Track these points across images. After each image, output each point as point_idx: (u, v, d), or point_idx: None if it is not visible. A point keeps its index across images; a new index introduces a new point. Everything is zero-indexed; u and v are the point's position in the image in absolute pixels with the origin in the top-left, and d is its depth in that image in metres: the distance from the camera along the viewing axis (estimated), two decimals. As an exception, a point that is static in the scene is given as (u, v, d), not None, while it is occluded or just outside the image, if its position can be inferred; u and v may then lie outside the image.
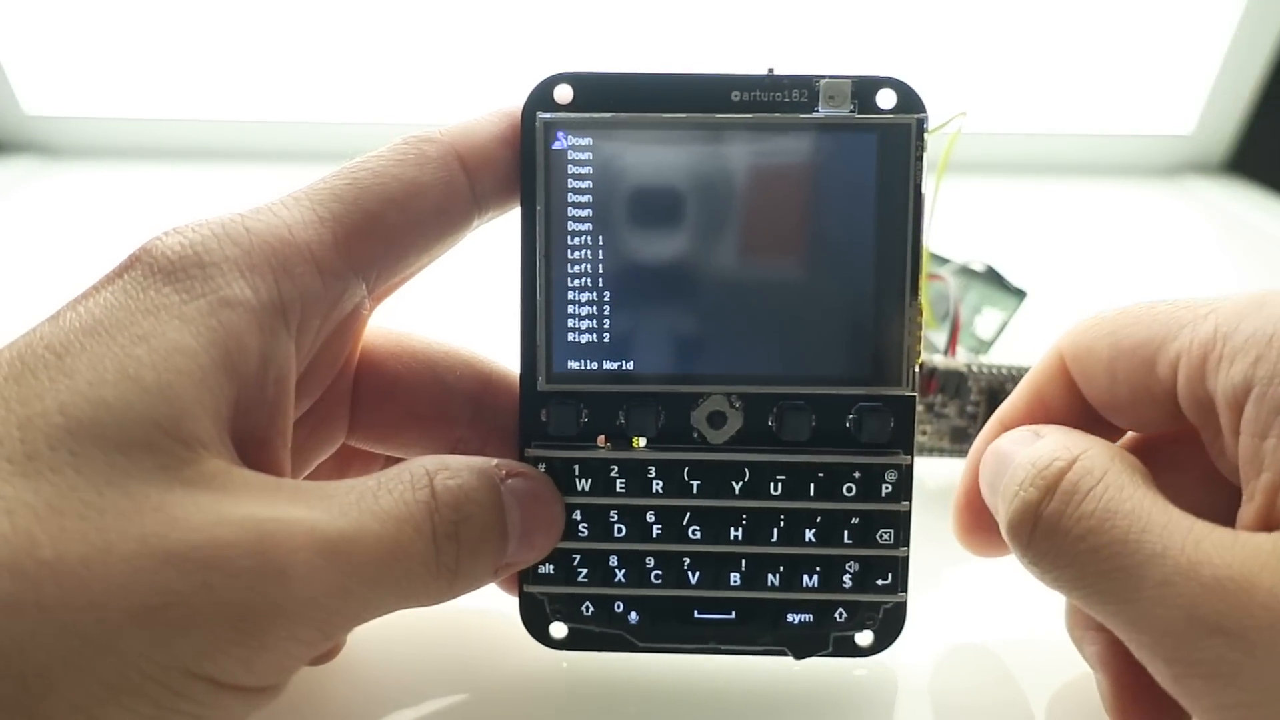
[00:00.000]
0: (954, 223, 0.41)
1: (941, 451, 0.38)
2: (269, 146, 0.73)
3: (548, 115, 0.26)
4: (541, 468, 0.26)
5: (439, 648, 0.29)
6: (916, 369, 0.26)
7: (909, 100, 0.26)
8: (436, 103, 0.71)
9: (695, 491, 0.27)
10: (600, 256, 0.26)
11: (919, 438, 0.37)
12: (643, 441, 0.27)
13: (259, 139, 0.73)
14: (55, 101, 0.74)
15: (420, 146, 0.25)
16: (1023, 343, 0.45)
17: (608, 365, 0.27)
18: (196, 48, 0.72)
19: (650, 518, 0.27)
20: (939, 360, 0.38)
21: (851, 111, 0.26)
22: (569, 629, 0.27)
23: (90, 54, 0.73)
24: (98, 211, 0.68)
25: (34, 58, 0.72)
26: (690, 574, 0.27)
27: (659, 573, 0.27)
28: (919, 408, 0.37)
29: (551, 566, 0.27)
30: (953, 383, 0.37)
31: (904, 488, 0.27)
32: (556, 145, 0.26)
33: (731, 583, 0.27)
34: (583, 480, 0.27)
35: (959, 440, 0.38)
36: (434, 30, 0.71)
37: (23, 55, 0.72)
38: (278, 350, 0.23)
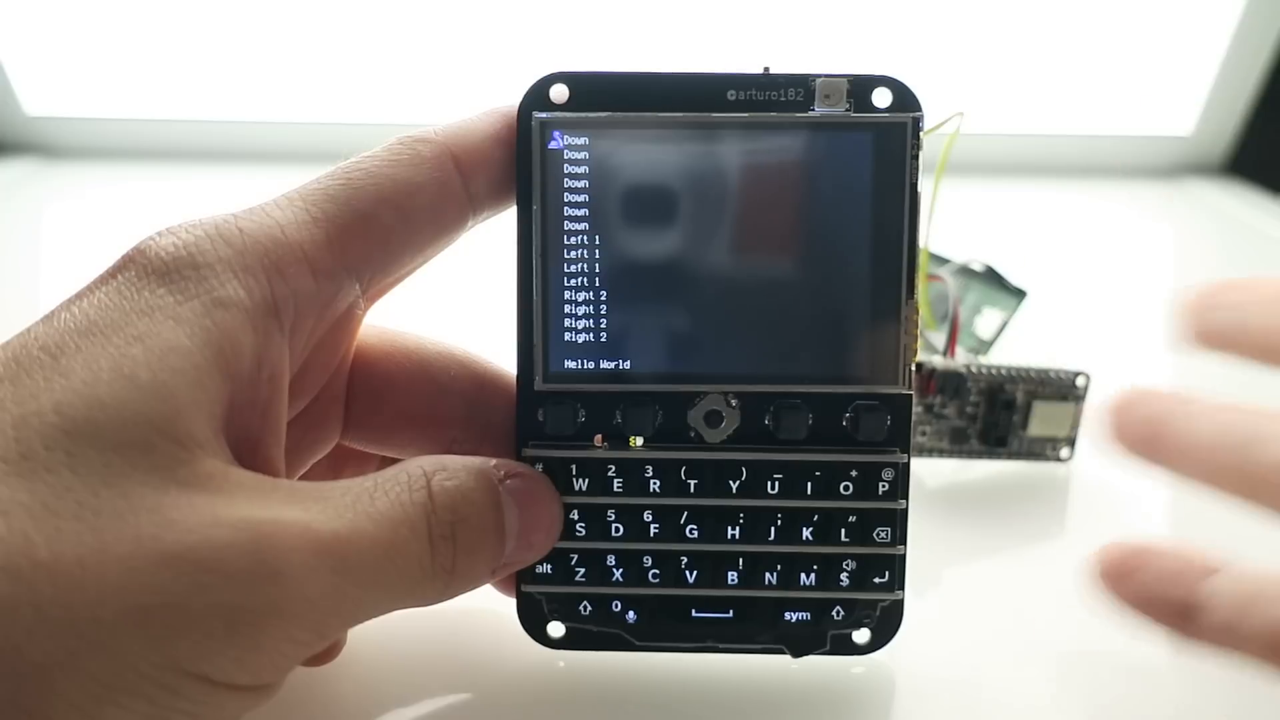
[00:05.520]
0: (953, 223, 0.41)
1: (941, 452, 0.38)
2: (267, 147, 0.73)
3: (544, 115, 0.26)
4: (539, 467, 0.26)
5: (437, 647, 0.29)
6: (913, 367, 0.26)
7: (904, 99, 0.26)
8: (432, 103, 0.71)
9: (693, 490, 0.27)
10: (597, 256, 0.26)
11: (919, 439, 0.37)
12: (640, 441, 0.27)
13: (257, 139, 0.73)
14: (55, 101, 0.74)
15: (415, 146, 0.25)
16: (1023, 343, 0.45)
17: (605, 365, 0.27)
18: (196, 48, 0.72)
19: (648, 517, 0.27)
20: (938, 361, 0.38)
21: (847, 110, 0.26)
22: (567, 628, 0.27)
23: (90, 54, 0.73)
24: (98, 211, 0.68)
25: (34, 58, 0.72)
26: (688, 573, 0.27)
27: (657, 572, 0.27)
28: (918, 409, 0.37)
29: (549, 566, 0.27)
30: (952, 384, 0.37)
31: (901, 486, 0.27)
32: (552, 145, 0.26)
33: (729, 581, 0.27)
34: (580, 480, 0.27)
35: (958, 441, 0.38)
36: (430, 30, 0.71)
37: (23, 55, 0.72)
38: (271, 350, 0.23)
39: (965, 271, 0.44)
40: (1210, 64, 0.72)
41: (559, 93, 0.26)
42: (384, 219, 0.24)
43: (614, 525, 0.27)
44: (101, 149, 0.75)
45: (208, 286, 0.22)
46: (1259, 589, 0.22)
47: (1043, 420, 0.38)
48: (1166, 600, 0.23)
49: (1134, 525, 0.36)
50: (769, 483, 0.27)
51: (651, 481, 0.27)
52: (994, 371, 0.37)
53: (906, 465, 0.27)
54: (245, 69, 0.73)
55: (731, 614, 0.27)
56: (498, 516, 0.24)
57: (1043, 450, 0.38)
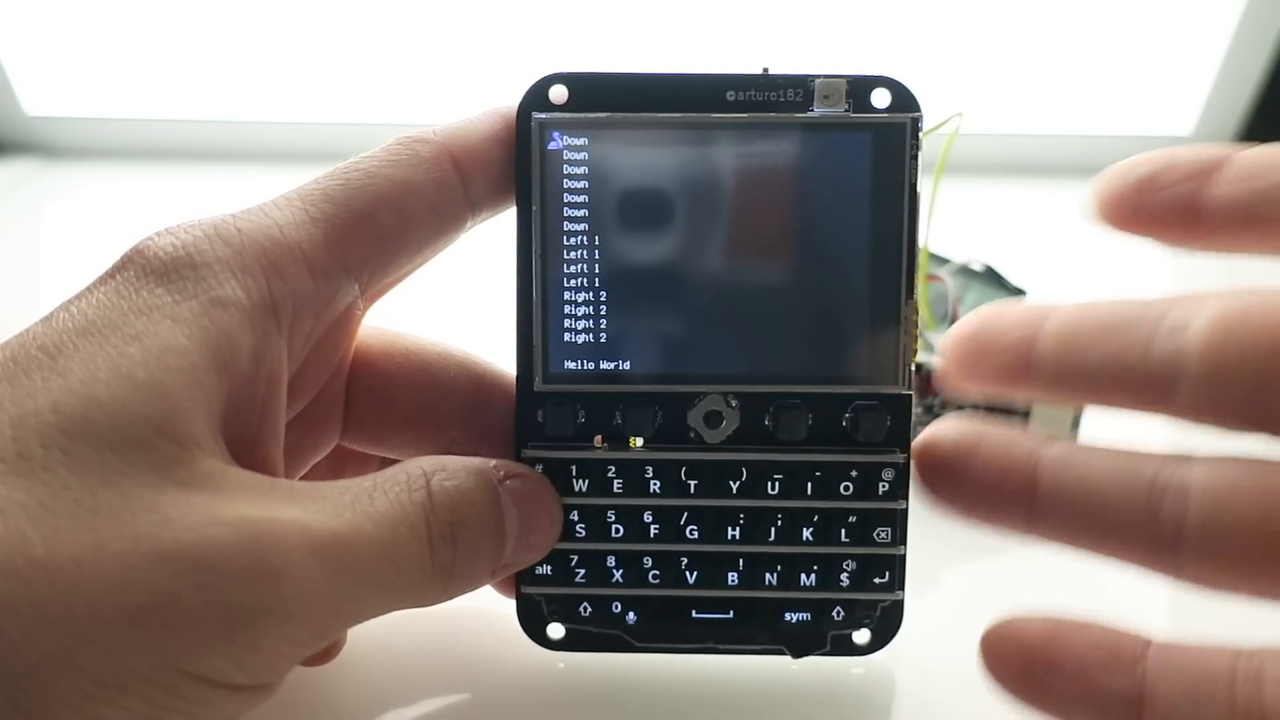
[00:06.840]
0: (953, 223, 0.40)
1: (940, 452, 0.38)
2: (267, 147, 0.73)
3: (543, 115, 0.26)
4: (538, 468, 0.26)
5: (437, 647, 0.29)
6: (913, 368, 0.26)
7: (904, 99, 0.26)
8: (432, 103, 0.71)
9: (693, 491, 0.27)
10: (596, 257, 0.26)
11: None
12: (640, 441, 0.27)
13: (257, 139, 0.73)
14: (55, 101, 0.74)
15: (413, 147, 0.25)
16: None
17: (604, 365, 0.27)
18: (196, 48, 0.72)
19: (648, 518, 0.27)
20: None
21: (846, 111, 0.26)
22: (566, 629, 0.27)
23: (90, 54, 0.73)
24: (98, 211, 0.68)
25: (34, 58, 0.72)
26: (688, 574, 0.27)
27: (657, 573, 0.27)
28: (918, 409, 0.37)
29: (549, 567, 0.27)
30: (951, 384, 0.37)
31: (901, 486, 0.27)
32: (552, 146, 0.26)
33: (729, 582, 0.27)
34: (580, 481, 0.27)
35: (957, 440, 0.38)
36: (430, 30, 0.71)
37: (23, 55, 0.72)
38: (269, 350, 0.23)
39: (965, 271, 0.44)
40: (1210, 64, 0.72)
41: (558, 93, 0.26)
42: (382, 219, 0.24)
43: (614, 526, 0.27)
44: (101, 149, 0.75)
45: (206, 286, 0.22)
46: None
47: (1042, 421, 0.38)
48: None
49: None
50: (769, 483, 0.27)
51: (651, 482, 0.27)
52: (994, 372, 0.37)
53: (906, 465, 0.27)
54: (245, 69, 0.73)
55: (731, 614, 0.27)
56: (497, 517, 0.24)
57: (1043, 450, 0.38)
